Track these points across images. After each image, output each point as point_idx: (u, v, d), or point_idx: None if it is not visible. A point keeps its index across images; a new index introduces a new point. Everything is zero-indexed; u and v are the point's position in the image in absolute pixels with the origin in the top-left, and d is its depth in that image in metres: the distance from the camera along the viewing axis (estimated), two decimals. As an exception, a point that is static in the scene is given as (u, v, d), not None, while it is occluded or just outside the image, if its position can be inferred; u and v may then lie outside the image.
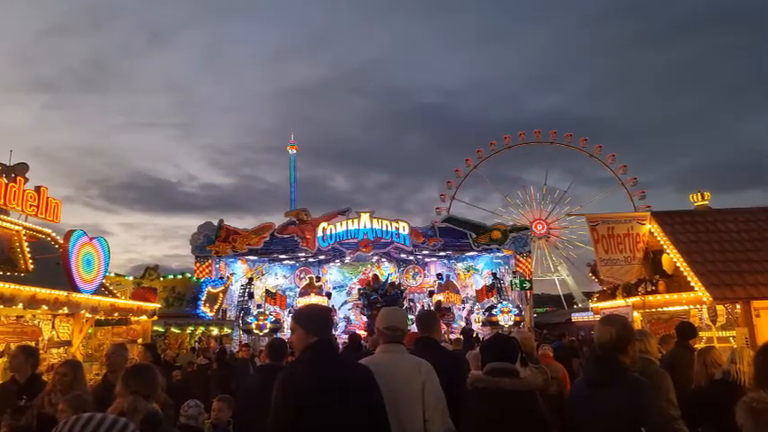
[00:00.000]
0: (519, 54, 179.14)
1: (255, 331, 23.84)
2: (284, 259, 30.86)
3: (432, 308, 25.10)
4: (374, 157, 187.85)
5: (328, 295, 28.37)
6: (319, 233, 27.74)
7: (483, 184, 49.54)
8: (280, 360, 5.45)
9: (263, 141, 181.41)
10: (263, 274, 31.39)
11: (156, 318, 13.74)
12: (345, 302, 31.30)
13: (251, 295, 27.47)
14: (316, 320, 3.19)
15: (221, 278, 25.11)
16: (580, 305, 42.50)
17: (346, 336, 19.02)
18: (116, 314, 11.32)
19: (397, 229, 28.09)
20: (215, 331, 19.17)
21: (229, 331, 20.84)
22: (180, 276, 21.51)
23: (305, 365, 3.03)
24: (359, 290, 28.21)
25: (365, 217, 28.13)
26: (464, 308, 29.52)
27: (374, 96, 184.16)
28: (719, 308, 10.88)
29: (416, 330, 4.45)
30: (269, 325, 24.00)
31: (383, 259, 31.17)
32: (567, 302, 48.10)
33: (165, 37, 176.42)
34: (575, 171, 48.95)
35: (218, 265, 27.99)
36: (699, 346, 6.84)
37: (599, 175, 46.52)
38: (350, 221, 28.13)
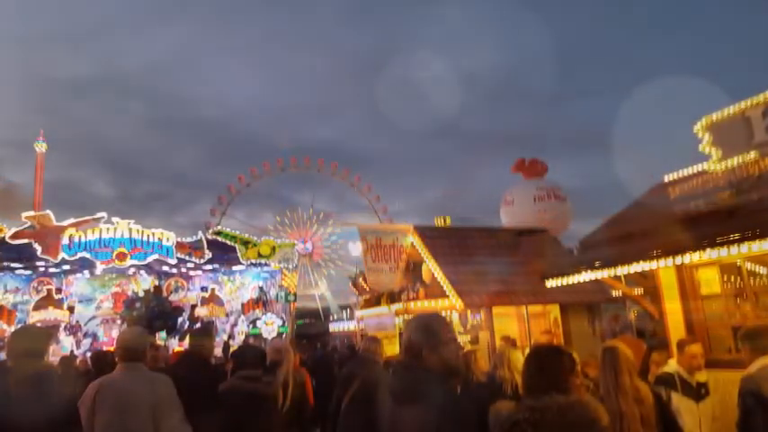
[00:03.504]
0: (301, 83, 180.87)
1: (-34, 354, 18.24)
2: (17, 268, 24.75)
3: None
4: (146, 164, 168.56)
5: (71, 309, 23.49)
6: (65, 240, 22.91)
7: (258, 202, 48.56)
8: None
9: (3, 134, 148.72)
10: (-13, 286, 24.74)
11: None
12: (94, 317, 26.32)
13: (-35, 310, 21.23)
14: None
15: None
16: (335, 317, 43.56)
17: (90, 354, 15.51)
18: None
19: (161, 239, 24.90)
20: None
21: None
22: None
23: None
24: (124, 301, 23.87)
25: (123, 225, 24.22)
26: (227, 321, 27.36)
27: (151, 102, 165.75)
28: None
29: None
30: (-13, 345, 18.60)
31: (141, 271, 27.14)
32: (324, 315, 48.73)
33: None
34: (340, 197, 50.83)
35: None
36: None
37: (359, 202, 48.64)
38: (105, 229, 23.95)
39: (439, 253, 11.41)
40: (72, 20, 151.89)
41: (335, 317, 43.90)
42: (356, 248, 24.08)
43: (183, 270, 27.36)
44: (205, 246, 26.24)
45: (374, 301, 12.82)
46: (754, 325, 4.43)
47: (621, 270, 6.38)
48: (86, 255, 23.63)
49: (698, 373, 4.24)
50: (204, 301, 26.30)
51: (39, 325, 18.55)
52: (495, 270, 11.37)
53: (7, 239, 22.73)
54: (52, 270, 25.12)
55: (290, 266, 28.54)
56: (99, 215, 24.78)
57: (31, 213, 24.52)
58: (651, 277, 7.01)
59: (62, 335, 23.76)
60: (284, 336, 23.93)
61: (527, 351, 2.90)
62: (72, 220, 24.15)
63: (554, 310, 11.24)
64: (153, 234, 25.09)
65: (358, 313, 15.16)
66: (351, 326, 28.51)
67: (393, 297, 11.69)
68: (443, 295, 10.79)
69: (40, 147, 44.91)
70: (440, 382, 2.21)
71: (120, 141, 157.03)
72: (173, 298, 27.47)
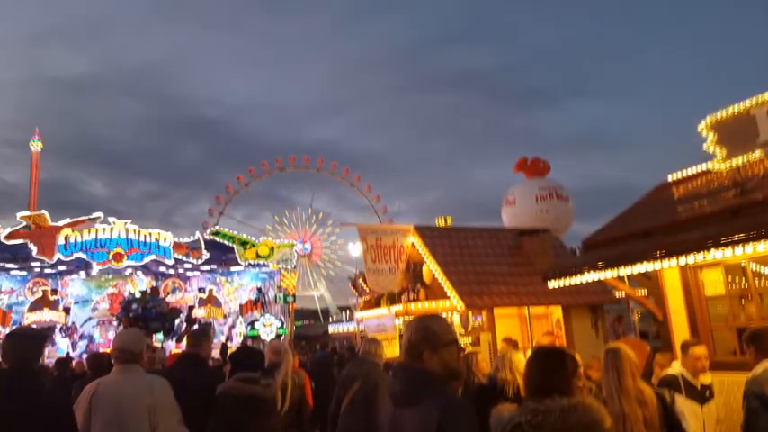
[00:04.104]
0: (300, 83, 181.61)
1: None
2: (12, 269, 24.73)
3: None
4: (143, 164, 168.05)
5: (66, 310, 23.47)
6: (61, 241, 22.89)
7: (256, 202, 48.56)
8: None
9: (1, 134, 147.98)
10: (-20, 287, 24.71)
11: None
12: (90, 318, 26.29)
13: (-41, 311, 21.22)
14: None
15: None
16: (335, 318, 43.56)
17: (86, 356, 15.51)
18: None
19: (158, 240, 24.90)
20: None
21: None
22: None
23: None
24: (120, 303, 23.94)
25: (120, 225, 24.22)
26: (225, 322, 27.35)
27: (149, 101, 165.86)
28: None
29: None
30: (-19, 347, 18.54)
31: (138, 272, 27.09)
32: (323, 316, 48.71)
33: None
34: (340, 197, 50.85)
35: None
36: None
37: (359, 202, 48.65)
38: (101, 230, 23.94)
39: (440, 253, 11.40)
40: (71, 19, 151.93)
41: (335, 318, 43.92)
42: (356, 249, 24.04)
43: (181, 271, 27.33)
44: (203, 246, 26.18)
45: (374, 302, 12.81)
46: (759, 326, 4.43)
47: (625, 270, 6.37)
48: (82, 255, 23.61)
49: (702, 375, 4.23)
50: (202, 303, 26.26)
51: (34, 326, 18.54)
52: (496, 271, 11.38)
53: (2, 240, 22.70)
54: (48, 271, 25.11)
55: (289, 267, 28.48)
56: (95, 215, 24.71)
57: (27, 213, 24.48)
58: (655, 278, 7.01)
59: (58, 336, 23.72)
60: (283, 337, 23.89)
61: (529, 353, 2.89)
62: (68, 221, 24.11)
63: (556, 312, 11.23)
64: (150, 234, 25.06)
65: (358, 314, 15.14)
66: (350, 327, 28.55)
67: (393, 298, 11.68)
68: (444, 296, 10.79)
69: (36, 146, 44.88)
70: (441, 384, 2.21)
71: (118, 141, 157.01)
72: (170, 299, 27.50)
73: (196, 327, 21.33)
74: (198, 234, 27.15)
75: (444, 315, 11.02)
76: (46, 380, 7.21)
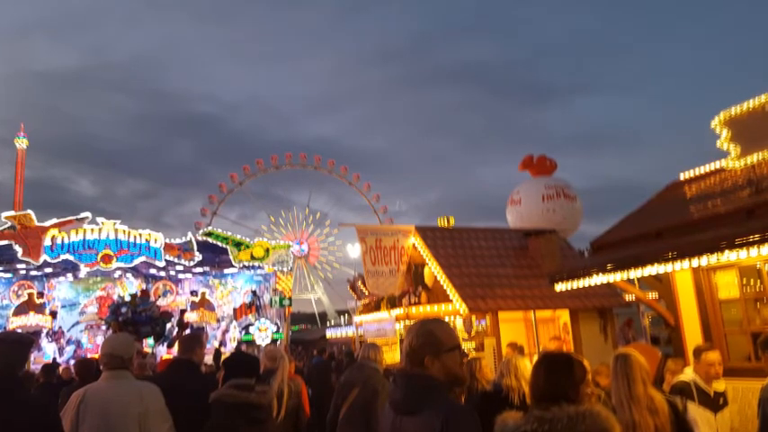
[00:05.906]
0: (298, 79, 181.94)
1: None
2: (-4, 271, 24.78)
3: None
4: (134, 162, 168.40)
5: (53, 314, 23.51)
6: (47, 242, 22.91)
7: (251, 202, 48.60)
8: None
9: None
10: (-36, 290, 24.73)
11: None
12: (77, 323, 26.31)
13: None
14: None
15: None
16: (333, 322, 43.62)
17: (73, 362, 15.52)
18: None
19: (148, 241, 24.95)
20: None
21: None
22: None
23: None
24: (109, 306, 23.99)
25: (108, 225, 24.25)
26: (219, 327, 27.38)
27: (140, 96, 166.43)
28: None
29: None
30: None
31: (128, 274, 27.11)
32: (321, 320, 48.78)
33: None
34: (338, 196, 50.99)
35: None
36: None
37: (358, 201, 48.80)
38: (89, 230, 23.97)
39: (442, 255, 11.41)
40: (57, 10, 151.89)
41: (333, 322, 43.97)
42: (355, 250, 24.07)
43: (172, 273, 27.36)
44: (195, 247, 26.19)
45: (374, 305, 12.85)
46: (774, 331, 4.43)
47: (635, 273, 6.37)
48: (70, 257, 23.63)
49: (715, 381, 4.23)
50: (194, 306, 26.31)
51: (19, 331, 18.55)
52: (501, 273, 11.39)
53: (-14, 241, 22.73)
54: (33, 273, 25.14)
55: (285, 269, 28.50)
56: (83, 215, 24.75)
57: (12, 213, 24.49)
58: (666, 280, 7.01)
59: (44, 341, 23.77)
60: (279, 342, 23.95)
61: (535, 358, 2.88)
62: (55, 221, 24.14)
63: (563, 315, 11.24)
64: (140, 235, 25.08)
65: (357, 318, 15.17)
66: (349, 332, 28.55)
67: (393, 301, 11.72)
68: (447, 299, 10.80)
69: (21, 143, 44.88)
70: (443, 391, 2.21)
71: (107, 138, 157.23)
72: (161, 302, 27.52)
73: (188, 331, 21.35)
74: (190, 235, 27.15)
75: (447, 319, 11.02)
76: (31, 386, 7.21)
